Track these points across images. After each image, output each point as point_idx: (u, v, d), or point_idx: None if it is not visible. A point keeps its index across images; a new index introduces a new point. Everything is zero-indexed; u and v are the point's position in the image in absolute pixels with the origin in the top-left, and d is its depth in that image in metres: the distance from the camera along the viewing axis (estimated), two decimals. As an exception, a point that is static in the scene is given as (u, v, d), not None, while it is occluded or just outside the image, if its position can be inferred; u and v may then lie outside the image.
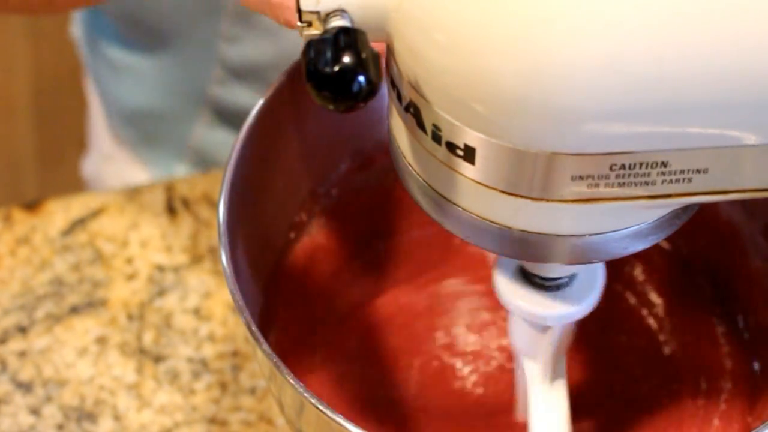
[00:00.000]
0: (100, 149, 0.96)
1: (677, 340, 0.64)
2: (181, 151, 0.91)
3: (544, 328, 0.54)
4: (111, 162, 0.95)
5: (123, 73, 0.90)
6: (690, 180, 0.43)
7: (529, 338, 0.55)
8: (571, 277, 0.53)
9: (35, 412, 0.70)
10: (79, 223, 0.77)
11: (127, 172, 0.93)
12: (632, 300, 0.66)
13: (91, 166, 0.98)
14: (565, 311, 0.53)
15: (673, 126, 0.41)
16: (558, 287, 0.53)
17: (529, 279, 0.53)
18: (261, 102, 0.57)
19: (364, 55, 0.39)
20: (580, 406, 0.61)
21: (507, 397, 0.61)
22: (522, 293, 0.53)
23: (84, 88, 0.99)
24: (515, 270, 0.53)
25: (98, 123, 0.96)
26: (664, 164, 0.43)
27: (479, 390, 0.62)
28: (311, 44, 0.40)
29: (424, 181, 0.46)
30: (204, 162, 0.90)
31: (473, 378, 0.63)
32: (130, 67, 0.89)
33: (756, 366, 0.62)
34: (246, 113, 0.56)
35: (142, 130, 0.92)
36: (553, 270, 0.52)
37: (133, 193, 0.79)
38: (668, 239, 0.48)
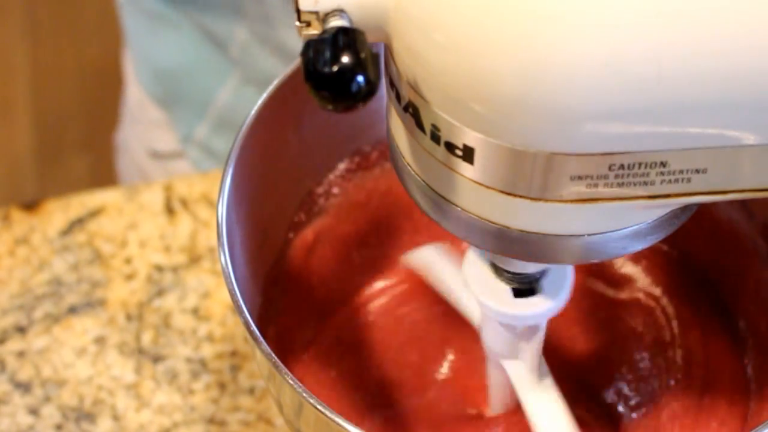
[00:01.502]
0: (131, 113, 0.97)
1: (674, 340, 0.64)
2: (205, 111, 0.92)
3: (528, 329, 0.55)
4: (137, 124, 0.96)
5: (158, 26, 0.90)
6: (689, 180, 0.43)
7: (506, 340, 0.55)
8: (542, 273, 0.53)
9: (34, 412, 0.70)
10: (77, 223, 0.77)
11: (153, 134, 0.94)
12: (630, 300, 0.66)
13: (121, 133, 1.00)
14: (551, 304, 0.53)
15: (672, 126, 0.41)
16: (531, 285, 0.53)
17: (503, 279, 0.53)
18: (260, 102, 0.57)
19: (362, 55, 0.39)
20: (577, 405, 0.61)
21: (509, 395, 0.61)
22: (505, 300, 0.53)
23: (122, 58, 1.00)
24: (488, 273, 0.53)
25: (130, 86, 0.97)
26: (663, 164, 0.43)
27: (480, 389, 0.62)
28: (310, 44, 0.40)
29: (423, 181, 0.46)
30: (227, 124, 0.91)
31: (474, 377, 0.63)
32: (165, 17, 0.89)
33: (752, 367, 0.62)
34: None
35: (171, 87, 0.92)
36: (526, 267, 0.52)
37: (132, 193, 0.79)
38: (667, 239, 0.48)
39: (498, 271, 0.53)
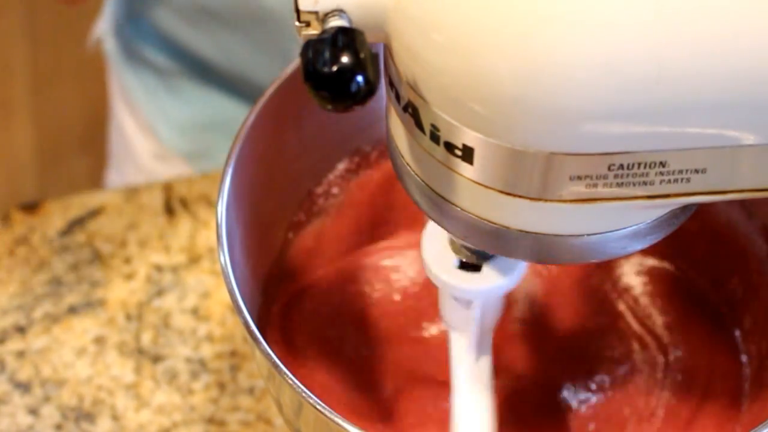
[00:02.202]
0: (138, 165, 0.95)
1: (672, 339, 0.64)
2: None
3: (469, 303, 0.55)
4: (149, 174, 0.93)
5: (175, 81, 0.89)
6: (688, 180, 0.43)
7: (455, 312, 0.55)
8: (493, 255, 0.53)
9: (33, 412, 0.70)
10: (77, 224, 0.77)
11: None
12: (629, 299, 0.66)
13: (122, 177, 0.98)
14: (489, 285, 0.53)
15: (671, 126, 0.41)
16: (478, 262, 0.53)
17: (453, 249, 0.53)
18: (259, 102, 0.57)
19: (362, 55, 0.39)
20: (573, 404, 0.61)
21: (509, 394, 0.61)
22: (448, 268, 0.53)
23: (111, 103, 0.98)
24: (443, 244, 0.53)
25: (137, 140, 0.94)
26: (662, 164, 0.43)
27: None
28: (309, 44, 0.40)
29: (423, 181, 0.46)
30: None
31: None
32: (184, 73, 0.88)
33: (750, 366, 0.62)
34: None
35: (199, 141, 0.91)
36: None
37: (132, 194, 0.79)
38: (664, 239, 0.48)
39: (452, 240, 0.53)
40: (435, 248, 0.54)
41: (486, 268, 0.53)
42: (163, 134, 0.92)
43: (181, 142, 0.91)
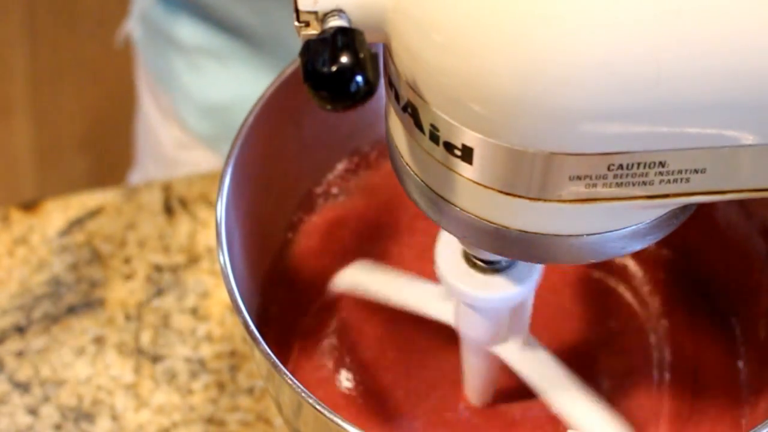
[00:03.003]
0: (164, 156, 0.95)
1: (671, 338, 0.64)
2: None
3: (511, 310, 0.55)
4: (174, 166, 0.94)
5: (200, 60, 0.89)
6: (688, 180, 0.43)
7: (490, 326, 0.55)
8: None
9: (33, 412, 0.70)
10: (76, 223, 0.77)
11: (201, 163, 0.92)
12: (628, 298, 0.66)
13: (141, 173, 0.98)
14: (520, 289, 0.53)
15: (670, 126, 0.41)
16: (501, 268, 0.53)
17: (473, 265, 0.53)
18: (259, 102, 0.57)
19: (361, 55, 0.39)
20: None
21: (509, 393, 0.61)
22: (477, 281, 0.53)
23: (138, 96, 0.98)
24: (460, 260, 0.54)
25: (162, 129, 0.95)
26: (662, 164, 0.43)
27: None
28: (309, 44, 0.40)
29: (422, 181, 0.46)
30: None
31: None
32: (211, 52, 0.88)
33: (746, 369, 0.62)
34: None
35: (220, 123, 0.91)
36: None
37: (131, 193, 0.79)
38: (663, 238, 0.48)
39: (469, 261, 0.53)
40: (463, 276, 0.54)
41: (508, 273, 0.53)
42: (187, 119, 0.92)
43: (205, 125, 0.92)
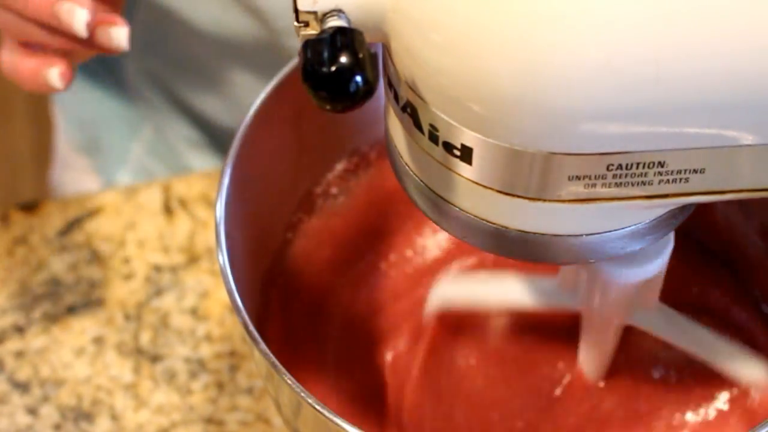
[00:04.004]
0: (61, 158, 0.97)
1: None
2: (125, 158, 0.91)
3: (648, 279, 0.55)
4: (68, 170, 0.95)
5: (79, 75, 0.90)
6: (687, 180, 0.43)
7: (630, 299, 0.56)
8: None
9: (32, 412, 0.70)
10: (76, 224, 0.77)
11: (83, 180, 0.93)
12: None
13: (54, 175, 0.99)
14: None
15: (669, 126, 0.41)
16: None
17: None
18: (258, 102, 0.57)
19: (361, 55, 0.39)
20: (573, 401, 0.61)
21: (501, 398, 0.61)
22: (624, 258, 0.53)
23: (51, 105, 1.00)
24: None
25: (59, 133, 0.96)
26: (661, 164, 0.43)
27: (478, 389, 0.62)
28: (308, 44, 0.40)
29: (421, 181, 0.46)
30: (147, 171, 0.90)
31: (473, 377, 0.63)
32: (86, 67, 0.89)
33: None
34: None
35: (90, 136, 0.92)
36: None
37: (130, 193, 0.79)
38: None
39: None
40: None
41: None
42: (67, 126, 0.93)
43: (79, 135, 0.93)
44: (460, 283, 0.63)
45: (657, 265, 0.53)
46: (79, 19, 0.55)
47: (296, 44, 0.42)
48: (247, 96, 0.77)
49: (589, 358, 0.61)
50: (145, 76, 0.87)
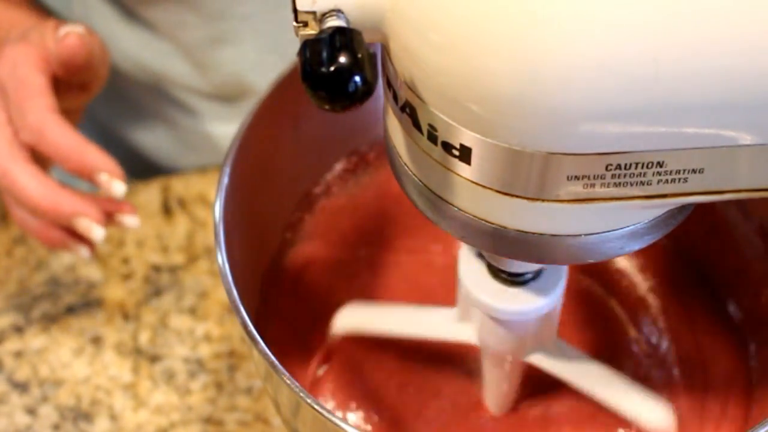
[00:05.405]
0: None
1: (671, 337, 0.64)
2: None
3: (542, 317, 0.55)
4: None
5: None
6: (686, 180, 0.43)
7: (521, 337, 0.56)
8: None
9: (31, 412, 0.70)
10: (75, 223, 0.77)
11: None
12: (621, 296, 0.66)
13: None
14: (552, 297, 0.54)
15: (668, 126, 0.41)
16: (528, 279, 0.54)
17: (499, 279, 0.54)
18: (257, 102, 0.57)
19: (360, 55, 0.39)
20: (574, 399, 0.61)
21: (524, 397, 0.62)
22: (505, 294, 0.54)
23: None
24: (486, 275, 0.54)
25: None
26: (660, 164, 0.43)
27: (477, 388, 0.62)
28: (307, 44, 0.40)
29: (420, 181, 0.46)
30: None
31: (472, 377, 0.63)
32: None
33: (753, 361, 0.62)
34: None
35: None
36: (522, 266, 0.53)
37: (129, 193, 0.78)
38: (663, 237, 0.48)
39: (495, 274, 0.54)
40: (492, 293, 0.54)
41: (536, 283, 0.54)
42: None
43: None
44: (361, 311, 0.62)
45: (546, 305, 0.54)
46: (96, 234, 0.61)
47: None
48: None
49: (489, 393, 0.61)
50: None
